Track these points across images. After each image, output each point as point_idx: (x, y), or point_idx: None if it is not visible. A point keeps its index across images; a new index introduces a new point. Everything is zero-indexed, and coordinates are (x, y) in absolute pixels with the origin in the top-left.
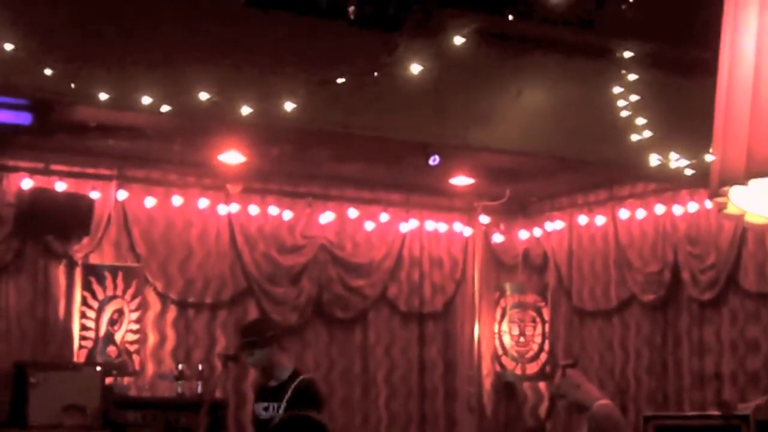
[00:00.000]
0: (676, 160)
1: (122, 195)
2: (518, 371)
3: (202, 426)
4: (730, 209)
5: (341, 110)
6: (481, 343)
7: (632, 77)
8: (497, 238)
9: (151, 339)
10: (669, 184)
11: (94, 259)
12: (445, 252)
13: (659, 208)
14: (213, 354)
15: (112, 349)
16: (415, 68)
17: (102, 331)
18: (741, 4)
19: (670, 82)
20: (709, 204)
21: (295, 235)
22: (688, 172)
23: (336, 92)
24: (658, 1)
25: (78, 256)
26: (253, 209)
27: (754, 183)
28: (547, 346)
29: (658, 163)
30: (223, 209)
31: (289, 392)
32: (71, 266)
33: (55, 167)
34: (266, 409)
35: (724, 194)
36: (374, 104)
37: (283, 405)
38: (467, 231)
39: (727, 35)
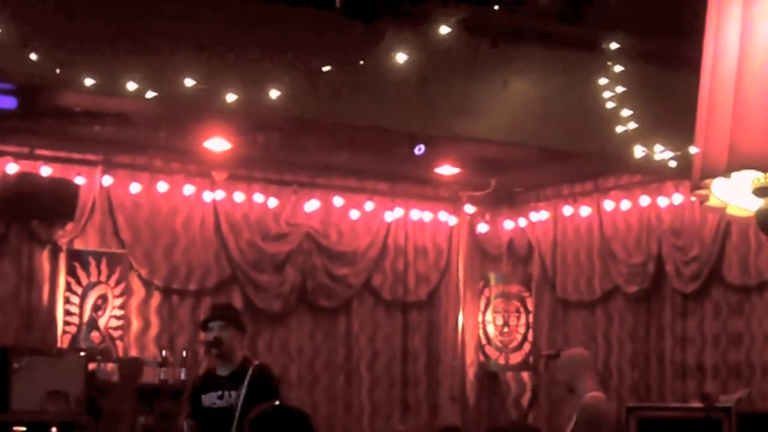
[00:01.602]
0: (661, 152)
1: (107, 181)
2: (502, 361)
3: (185, 412)
4: (712, 202)
5: (327, 99)
6: (464, 333)
7: (618, 69)
8: (482, 228)
9: (135, 325)
10: (654, 175)
11: (78, 245)
12: (429, 241)
13: (644, 200)
14: (197, 341)
15: (95, 335)
16: (401, 58)
17: (86, 317)
18: None
19: (655, 75)
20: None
21: (280, 223)
22: (673, 164)
23: (322, 81)
24: None
25: (62, 242)
26: (239, 196)
27: (736, 176)
28: (530, 337)
29: (643, 154)
30: (208, 196)
31: (247, 378)
32: (55, 252)
33: (40, 152)
34: (221, 397)
35: (707, 187)
36: (360, 94)
37: (243, 392)
38: (452, 220)
39: (711, 29)
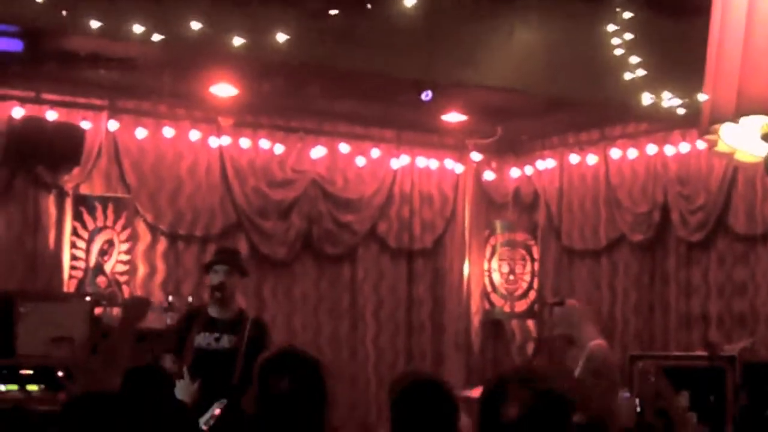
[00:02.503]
0: (669, 100)
1: (113, 126)
2: (507, 309)
3: (188, 355)
4: (721, 147)
5: (333, 45)
6: (470, 281)
7: (626, 15)
8: (488, 175)
9: (141, 270)
10: (661, 123)
11: (84, 190)
12: (435, 189)
13: (650, 149)
14: (202, 286)
15: (101, 280)
16: (409, 2)
17: (92, 262)
18: None
19: (664, 22)
20: (700, 145)
21: (286, 170)
22: (681, 111)
23: (329, 26)
24: None
25: (68, 187)
26: (245, 142)
27: (744, 121)
28: (536, 285)
29: (651, 102)
30: (214, 142)
31: (248, 327)
32: (61, 196)
33: (46, 96)
34: (218, 339)
35: (715, 132)
36: (367, 40)
37: (245, 339)
38: (458, 168)
39: None
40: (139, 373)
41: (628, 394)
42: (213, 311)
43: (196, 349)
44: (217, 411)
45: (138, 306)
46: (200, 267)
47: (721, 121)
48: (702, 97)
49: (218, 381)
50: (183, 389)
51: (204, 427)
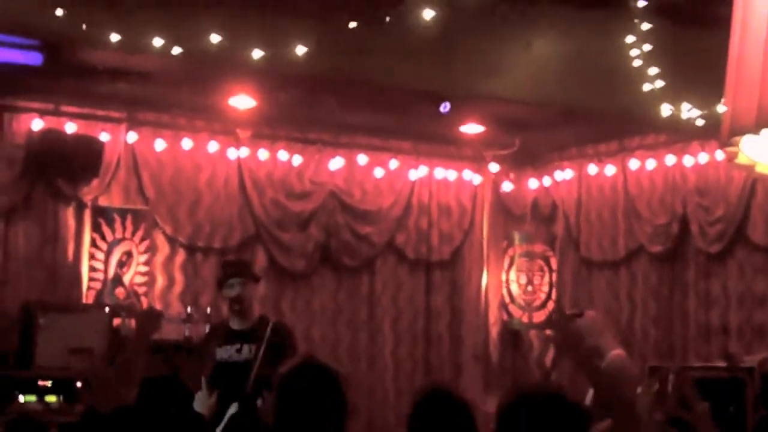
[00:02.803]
0: (688, 111)
1: (132, 138)
2: (525, 320)
3: (208, 368)
4: (741, 159)
5: (352, 57)
6: (488, 292)
7: (645, 26)
8: (506, 187)
9: (160, 282)
10: (680, 134)
11: (103, 202)
12: (453, 200)
13: (669, 159)
14: (220, 298)
15: (120, 291)
16: (427, 15)
17: (111, 274)
18: None
19: (683, 33)
20: (719, 155)
21: (304, 181)
22: (700, 122)
23: (347, 38)
24: None
25: (87, 199)
26: (263, 154)
27: (765, 133)
28: (554, 295)
29: (670, 113)
30: (232, 153)
31: (268, 333)
32: (80, 208)
33: (65, 108)
34: (239, 351)
35: (735, 144)
36: (385, 52)
37: (263, 346)
38: (476, 179)
39: None
40: (156, 384)
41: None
42: (234, 323)
43: (218, 363)
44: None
45: (151, 318)
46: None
47: (742, 133)
48: (721, 108)
49: (239, 391)
50: (201, 402)
51: None
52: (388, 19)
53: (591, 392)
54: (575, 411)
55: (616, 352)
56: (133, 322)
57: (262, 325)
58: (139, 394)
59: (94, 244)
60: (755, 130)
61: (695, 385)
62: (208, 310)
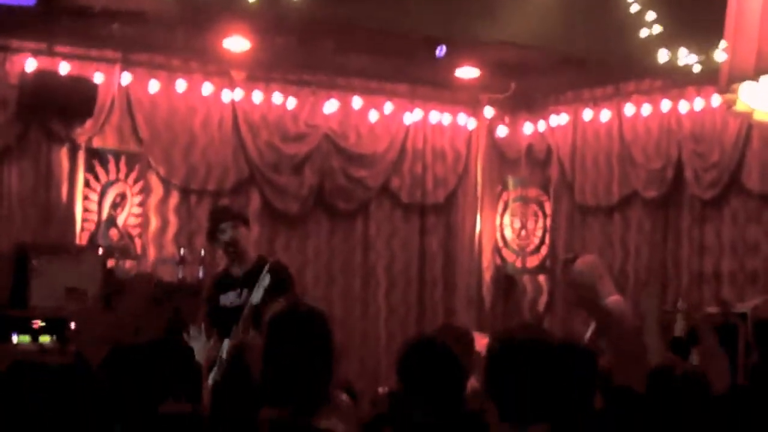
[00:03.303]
0: (686, 56)
1: (126, 79)
2: (518, 264)
3: (203, 309)
4: (739, 106)
5: (348, 1)
6: (482, 236)
7: None
8: (501, 131)
9: (154, 224)
10: (676, 80)
11: (97, 143)
12: (448, 144)
13: (665, 105)
14: (216, 246)
15: (114, 233)
16: None
17: (104, 215)
18: None
19: None
20: (715, 102)
21: (299, 124)
22: (697, 68)
23: None
24: None
25: (81, 140)
26: (257, 97)
27: (764, 80)
28: (548, 240)
29: (667, 59)
30: (226, 96)
31: (265, 274)
32: (74, 150)
33: (58, 49)
34: (239, 295)
35: (734, 91)
36: None
37: (261, 288)
38: (471, 124)
39: None
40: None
41: None
42: (233, 269)
43: (222, 309)
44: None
45: (146, 282)
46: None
47: (741, 80)
48: (718, 54)
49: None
50: (199, 350)
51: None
52: None
53: (592, 325)
54: (559, 355)
55: (614, 298)
56: (127, 264)
57: (260, 267)
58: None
59: (87, 185)
60: (754, 76)
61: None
62: (202, 252)
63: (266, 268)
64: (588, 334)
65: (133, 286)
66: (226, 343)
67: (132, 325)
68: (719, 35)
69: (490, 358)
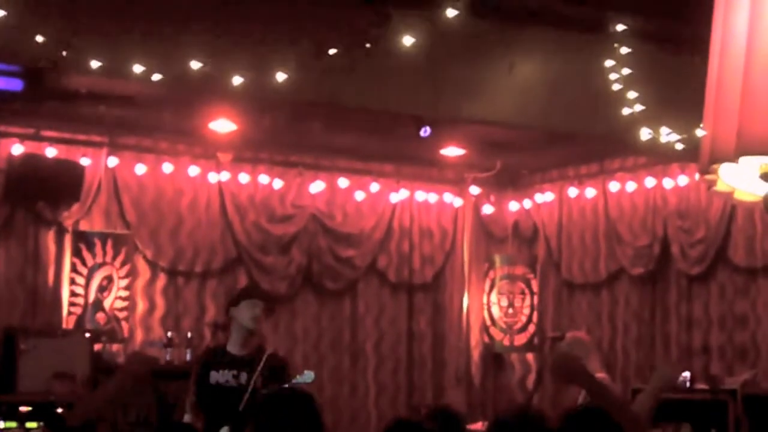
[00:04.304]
0: (667, 135)
1: (113, 162)
2: (506, 342)
3: (191, 392)
4: (720, 186)
5: (333, 82)
6: (469, 314)
7: (624, 51)
8: (487, 209)
9: (141, 306)
10: (660, 158)
11: (83, 226)
12: (435, 223)
13: (649, 182)
14: (202, 322)
15: (101, 316)
16: (408, 40)
17: (91, 298)
18: None
19: (662, 57)
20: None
21: (286, 205)
22: (679, 146)
23: (328, 64)
24: None
25: (68, 223)
26: (244, 178)
27: (743, 160)
28: (535, 318)
29: (649, 137)
30: (213, 177)
31: (263, 363)
32: (61, 233)
33: (45, 133)
34: (236, 376)
35: (714, 171)
36: (366, 76)
37: (256, 375)
38: (457, 202)
39: (720, 12)
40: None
41: None
42: (233, 348)
43: (214, 386)
44: None
45: (143, 362)
46: (202, 306)
47: (721, 160)
48: (700, 132)
49: (231, 415)
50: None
51: None
52: (368, 45)
53: (583, 393)
54: None
55: (599, 376)
56: (115, 347)
57: (260, 354)
58: None
59: (74, 268)
60: (734, 158)
61: (673, 408)
62: (189, 334)
63: (265, 357)
64: (580, 400)
65: (130, 363)
66: (224, 431)
67: (120, 402)
68: (701, 113)
69: None
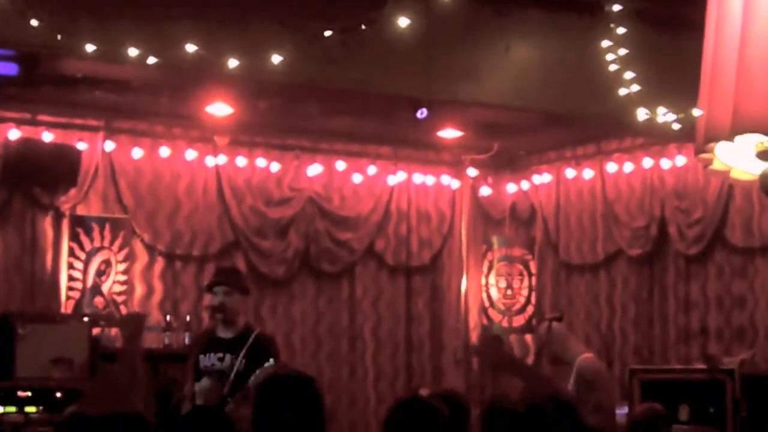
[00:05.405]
0: (664, 115)
1: (109, 146)
2: (505, 324)
3: (189, 376)
4: (716, 165)
5: (329, 65)
6: (468, 296)
7: (621, 31)
8: (485, 191)
9: (139, 290)
10: (657, 138)
11: (81, 211)
12: (432, 205)
13: (647, 162)
14: (200, 306)
15: (99, 300)
16: (404, 22)
17: (89, 283)
18: None
19: (658, 37)
20: None
21: (283, 188)
22: (676, 126)
23: (324, 46)
24: None
25: (65, 208)
26: (241, 161)
27: (739, 139)
28: (533, 299)
29: (646, 117)
30: (210, 161)
31: (249, 344)
32: (58, 218)
33: (42, 118)
34: (221, 359)
35: (710, 150)
36: (362, 59)
37: (241, 357)
38: (455, 184)
39: None
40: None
41: (626, 410)
42: (219, 331)
43: (202, 370)
44: None
45: (134, 321)
46: (200, 290)
47: (716, 140)
48: (697, 112)
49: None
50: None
51: None
52: (363, 27)
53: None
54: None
55: (585, 356)
56: (113, 332)
57: (247, 335)
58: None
59: (72, 253)
60: (730, 137)
61: (671, 388)
62: (188, 318)
63: (252, 336)
64: (570, 387)
65: (124, 333)
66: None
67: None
68: (697, 93)
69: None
